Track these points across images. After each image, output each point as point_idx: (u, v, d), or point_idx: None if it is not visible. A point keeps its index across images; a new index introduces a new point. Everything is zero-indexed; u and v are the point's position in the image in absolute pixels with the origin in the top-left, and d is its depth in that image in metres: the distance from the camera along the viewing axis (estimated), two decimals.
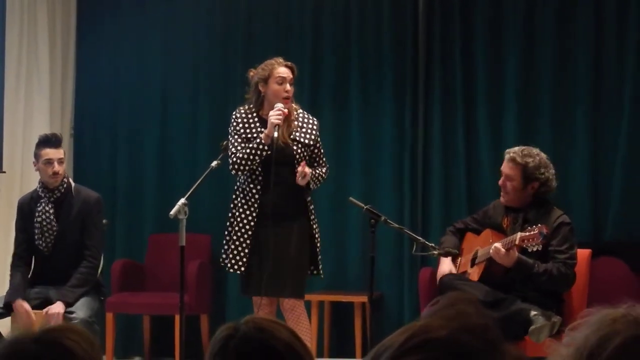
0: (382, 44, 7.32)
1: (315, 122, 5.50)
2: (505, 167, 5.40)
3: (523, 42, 7.06)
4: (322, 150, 5.55)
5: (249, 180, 5.38)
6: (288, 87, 5.37)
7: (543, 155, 5.41)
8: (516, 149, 5.43)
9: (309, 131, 5.43)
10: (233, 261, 5.38)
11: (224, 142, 5.42)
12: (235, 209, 5.43)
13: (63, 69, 7.74)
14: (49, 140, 5.77)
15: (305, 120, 5.46)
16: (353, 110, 7.33)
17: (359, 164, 7.30)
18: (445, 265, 5.57)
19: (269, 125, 5.28)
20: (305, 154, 5.39)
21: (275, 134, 5.25)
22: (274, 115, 5.27)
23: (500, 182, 5.44)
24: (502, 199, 5.46)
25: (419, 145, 7.20)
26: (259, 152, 5.29)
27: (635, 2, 6.86)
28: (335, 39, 7.41)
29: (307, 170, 5.30)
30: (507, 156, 5.41)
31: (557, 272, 5.17)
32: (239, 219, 5.38)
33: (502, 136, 7.02)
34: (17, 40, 7.53)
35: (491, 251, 5.15)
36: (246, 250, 5.34)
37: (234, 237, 5.38)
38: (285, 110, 5.31)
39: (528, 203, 5.39)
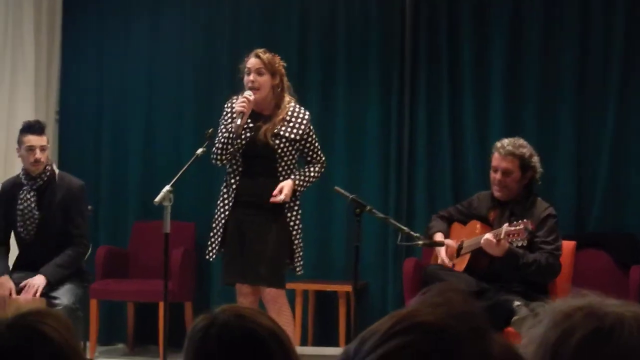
0: (369, 35, 7.31)
1: (306, 117, 5.42)
2: (503, 162, 5.34)
3: (509, 33, 7.06)
4: (315, 145, 5.46)
5: (231, 170, 5.39)
6: (252, 76, 5.34)
7: (527, 144, 5.45)
8: (506, 141, 5.40)
9: (297, 125, 5.37)
10: (209, 248, 5.42)
11: (209, 130, 5.41)
12: (218, 198, 5.44)
13: (48, 55, 7.69)
14: (32, 127, 5.73)
15: (295, 114, 5.40)
16: (339, 100, 7.32)
17: (344, 154, 7.29)
18: (444, 253, 5.53)
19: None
20: (290, 148, 5.35)
21: (239, 122, 5.23)
22: (238, 103, 5.27)
23: (497, 178, 5.38)
24: (497, 194, 5.43)
25: (404, 135, 7.20)
26: (230, 142, 5.28)
27: None
28: (322, 28, 7.39)
29: (281, 198, 5.22)
30: (501, 151, 5.35)
31: (545, 262, 5.20)
32: (218, 207, 5.41)
33: (488, 127, 7.03)
34: (2, 25, 7.48)
35: (482, 242, 5.16)
36: (219, 239, 5.36)
37: (213, 225, 5.43)
38: (252, 98, 5.28)
39: (515, 195, 5.39)
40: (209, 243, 5.45)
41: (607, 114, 6.85)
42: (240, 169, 5.35)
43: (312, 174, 5.43)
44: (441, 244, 5.48)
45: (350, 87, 7.32)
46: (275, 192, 5.22)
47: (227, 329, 1.62)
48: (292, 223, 5.36)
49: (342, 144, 7.29)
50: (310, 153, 5.45)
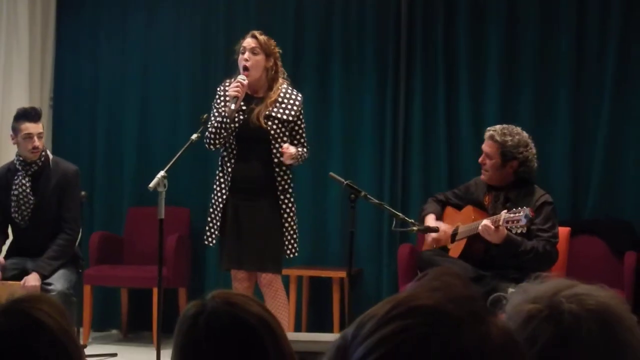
0: (365, 22, 7.29)
1: (299, 98, 5.42)
2: (485, 145, 5.41)
3: (505, 21, 7.04)
4: (303, 129, 5.46)
5: (225, 154, 5.38)
6: (247, 55, 5.33)
7: (525, 134, 5.39)
8: (497, 127, 5.42)
9: (289, 107, 5.37)
10: (208, 234, 5.42)
11: (204, 116, 5.39)
12: (214, 183, 5.43)
13: (42, 40, 7.67)
14: (29, 114, 5.71)
15: (287, 95, 5.39)
16: (334, 87, 7.31)
17: (339, 140, 7.28)
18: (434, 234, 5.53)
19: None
20: (283, 129, 5.34)
21: (233, 106, 5.22)
22: (232, 87, 5.26)
23: (480, 159, 5.44)
24: (482, 176, 5.47)
25: (399, 121, 7.19)
26: (223, 126, 5.27)
27: None
28: (318, 19, 7.37)
29: (292, 149, 5.26)
30: (486, 134, 5.42)
31: (543, 250, 5.20)
32: (214, 191, 5.41)
33: (483, 114, 7.02)
34: None
35: (480, 228, 5.15)
36: (217, 224, 5.36)
37: (210, 210, 5.43)
38: (245, 82, 5.27)
39: (509, 182, 5.39)
40: (207, 228, 5.44)
41: (602, 102, 6.83)
42: (234, 152, 5.34)
43: (303, 153, 5.42)
44: (435, 229, 5.47)
45: (345, 74, 7.30)
46: (285, 155, 5.23)
47: (215, 316, 1.60)
48: (284, 206, 5.36)
49: (338, 130, 7.28)
50: (298, 137, 5.44)
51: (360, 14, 7.29)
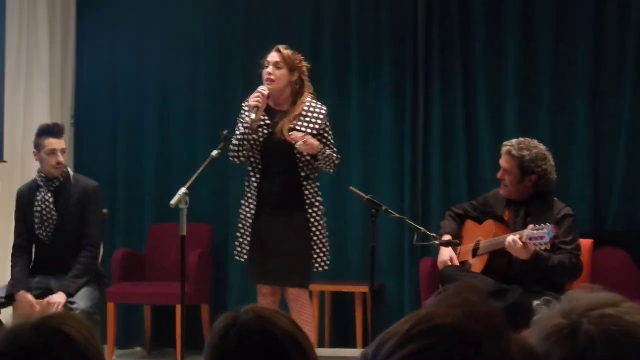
0: (382, 36, 7.30)
1: (323, 111, 5.41)
2: (503, 161, 5.38)
3: (522, 33, 7.03)
4: (331, 140, 5.44)
5: (250, 169, 5.39)
6: (270, 69, 5.34)
7: (542, 147, 5.36)
8: (514, 141, 5.39)
9: (313, 120, 5.36)
10: (239, 249, 5.43)
11: (224, 132, 5.40)
12: (242, 198, 5.44)
13: (63, 58, 7.72)
14: (52, 130, 5.74)
15: (312, 109, 5.39)
16: (353, 101, 7.31)
17: (359, 154, 7.28)
18: (445, 254, 5.55)
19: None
20: None
21: (253, 116, 5.22)
22: (252, 98, 5.28)
23: (498, 175, 5.42)
24: (501, 191, 5.45)
25: (419, 134, 7.19)
26: (246, 137, 5.28)
27: None
28: (335, 30, 7.38)
29: (307, 138, 5.22)
30: (504, 149, 5.39)
31: (569, 263, 5.18)
32: (242, 207, 5.42)
33: (502, 126, 7.00)
34: (17, 30, 7.51)
35: (507, 243, 5.12)
36: (248, 239, 5.35)
37: (239, 225, 5.44)
38: (266, 92, 5.28)
39: (529, 196, 5.36)
40: (237, 244, 5.44)
41: (623, 112, 6.81)
42: (259, 166, 5.35)
43: (333, 155, 5.39)
44: (457, 243, 5.47)
45: (364, 88, 7.31)
46: (298, 143, 5.20)
47: (247, 330, 1.64)
48: (312, 219, 5.34)
49: (356, 145, 7.28)
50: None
51: (377, 30, 7.30)
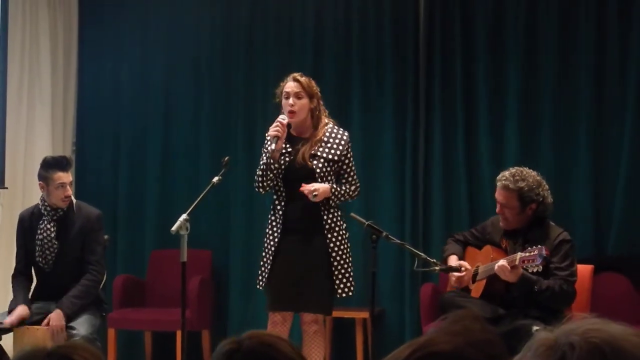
0: (383, 58, 7.32)
1: (345, 137, 5.45)
2: (500, 196, 5.34)
3: (524, 55, 7.05)
4: (351, 167, 5.47)
5: (275, 197, 5.42)
6: (291, 100, 5.37)
7: (533, 173, 5.34)
8: (506, 174, 5.36)
9: (335, 145, 5.40)
10: (260, 277, 5.43)
11: (226, 158, 5.42)
12: (267, 226, 5.46)
13: (64, 85, 7.75)
14: (60, 163, 5.71)
15: (333, 135, 5.42)
16: (353, 125, 7.32)
17: (360, 179, 7.26)
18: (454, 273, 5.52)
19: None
20: (329, 168, 5.37)
21: (274, 146, 5.26)
22: (272, 128, 5.31)
23: (497, 210, 5.40)
24: (501, 224, 5.43)
25: (419, 160, 7.20)
26: (268, 167, 5.31)
27: (637, 14, 6.85)
28: (336, 52, 7.41)
29: (316, 185, 5.27)
30: (499, 184, 5.33)
31: (559, 289, 5.16)
32: (267, 235, 5.43)
33: (504, 151, 7.01)
34: (19, 57, 7.55)
35: (496, 268, 5.14)
36: (268, 267, 5.36)
37: (263, 253, 5.45)
38: (285, 121, 5.32)
39: (526, 223, 5.36)
40: (259, 272, 5.44)
41: (624, 136, 6.82)
42: (283, 194, 5.38)
43: (348, 190, 5.42)
44: (457, 269, 5.46)
45: (364, 113, 7.33)
46: (307, 193, 5.23)
47: (250, 355, 1.64)
48: (332, 245, 5.35)
49: (357, 170, 7.25)
50: (346, 175, 5.46)
51: (378, 52, 7.32)
